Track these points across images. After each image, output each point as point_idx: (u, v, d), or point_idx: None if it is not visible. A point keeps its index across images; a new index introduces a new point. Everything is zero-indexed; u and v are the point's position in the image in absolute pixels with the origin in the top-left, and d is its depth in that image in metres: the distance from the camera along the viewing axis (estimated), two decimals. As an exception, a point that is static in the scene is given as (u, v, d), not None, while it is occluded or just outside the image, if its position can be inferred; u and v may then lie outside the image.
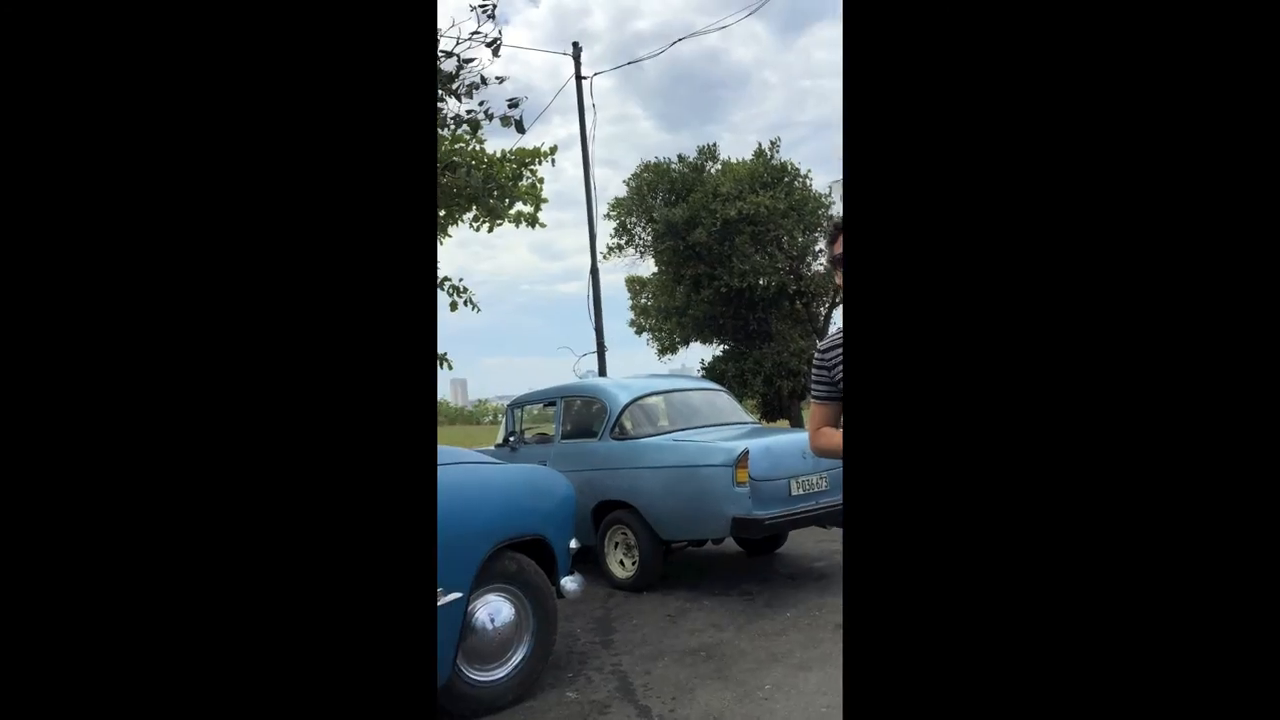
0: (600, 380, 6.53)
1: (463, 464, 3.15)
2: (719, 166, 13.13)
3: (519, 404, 6.17)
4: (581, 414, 5.48)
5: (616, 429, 5.18)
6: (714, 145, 13.34)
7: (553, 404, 5.69)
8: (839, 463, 1.98)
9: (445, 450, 3.21)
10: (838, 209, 14.64)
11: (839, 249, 1.87)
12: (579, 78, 10.50)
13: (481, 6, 6.42)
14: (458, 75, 6.32)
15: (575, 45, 10.50)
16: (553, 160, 8.95)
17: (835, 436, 1.84)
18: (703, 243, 11.99)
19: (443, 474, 2.78)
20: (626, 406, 5.24)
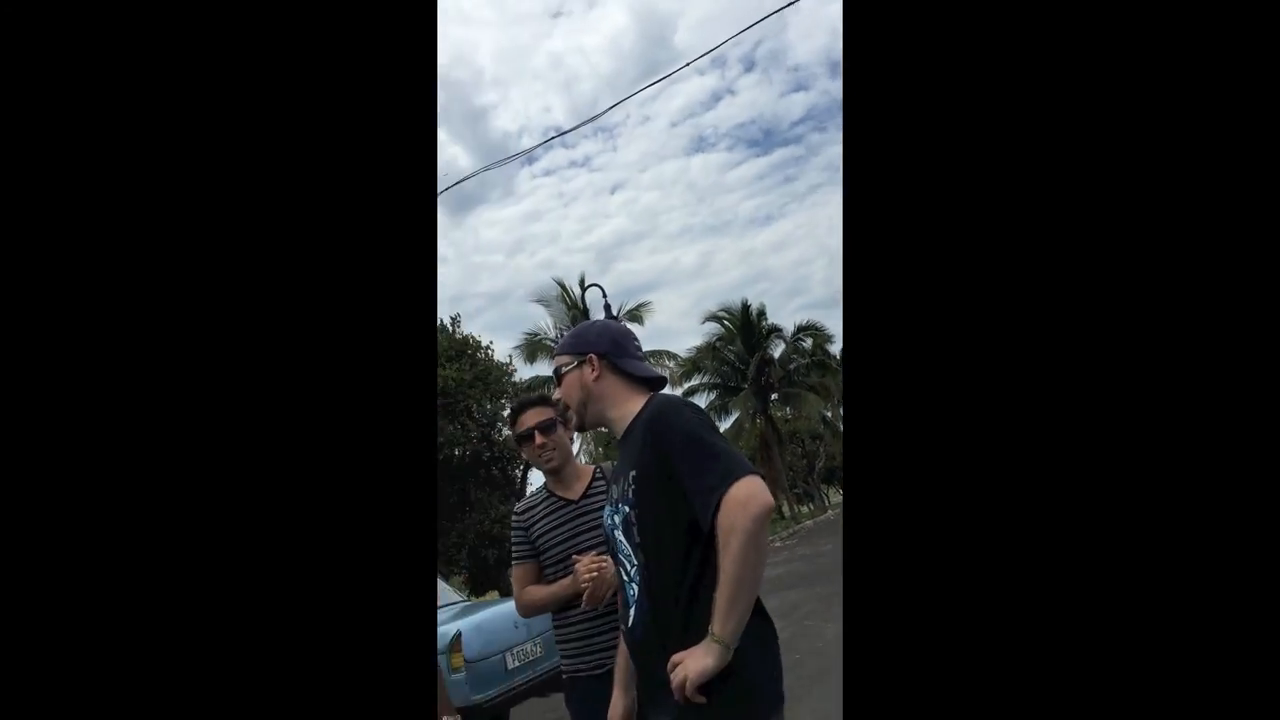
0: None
1: None
2: (402, 343, 13.59)
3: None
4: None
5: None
6: (395, 324, 13.81)
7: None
8: (548, 621, 2.06)
9: None
10: (520, 375, 15.80)
11: (521, 427, 2.07)
12: None
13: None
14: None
15: None
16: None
17: (538, 592, 2.02)
18: (392, 420, 12.24)
19: None
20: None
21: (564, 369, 1.41)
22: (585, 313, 16.31)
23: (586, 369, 1.38)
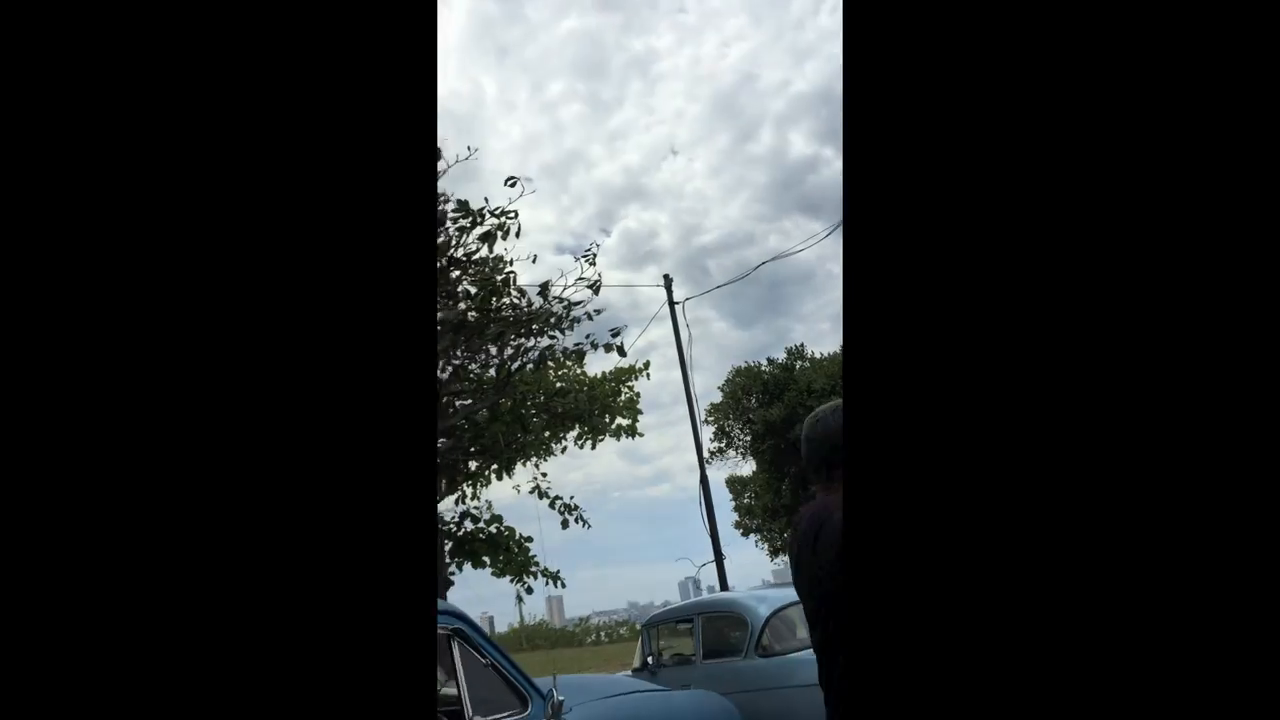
0: (736, 594, 6.42)
1: (635, 693, 3.22)
2: (807, 364, 13.94)
3: (653, 624, 6.11)
4: (720, 631, 5.35)
5: (760, 645, 4.99)
6: (801, 345, 14.06)
7: (688, 621, 5.59)
8: None
9: (613, 680, 3.45)
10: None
11: None
12: (671, 303, 11.64)
13: (584, 254, 7.64)
14: (567, 315, 7.45)
15: (666, 278, 11.58)
16: (648, 375, 9.84)
17: None
18: (804, 439, 12.67)
19: (619, 705, 2.89)
20: (768, 620, 5.03)
21: None
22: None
23: None
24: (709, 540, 10.41)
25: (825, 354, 13.71)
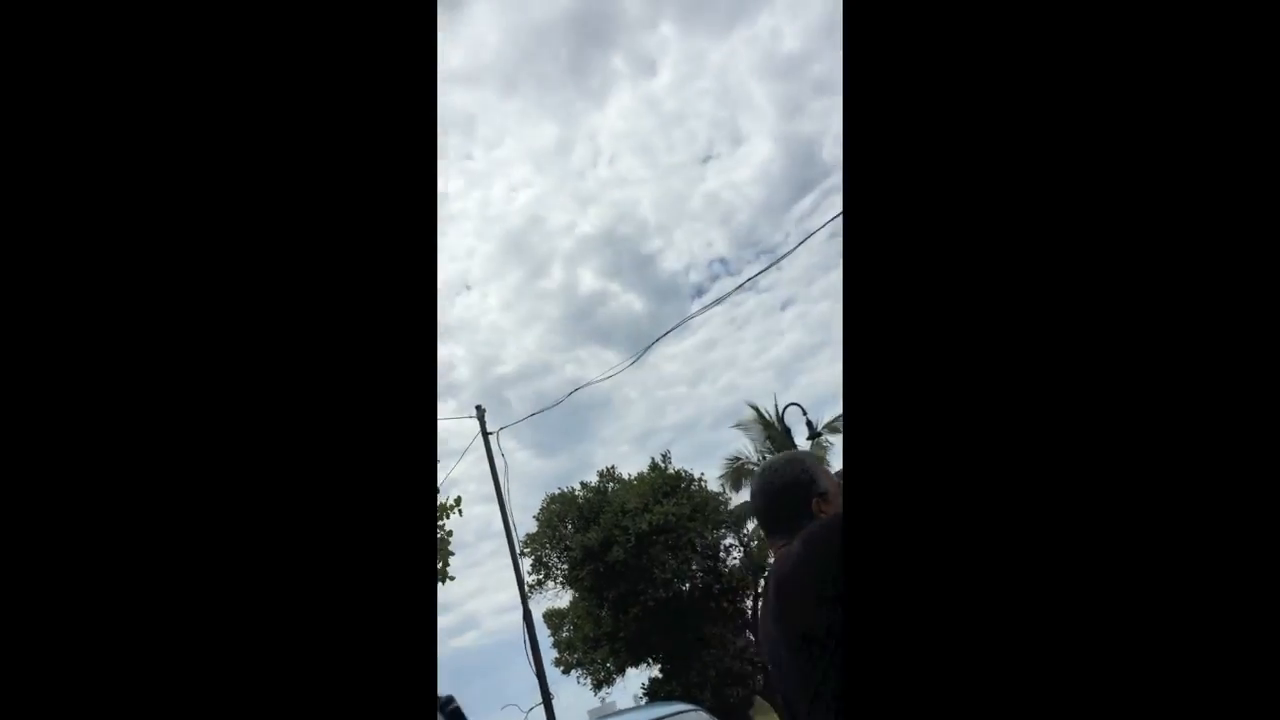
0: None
1: None
2: (619, 486, 14.19)
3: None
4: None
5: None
6: (612, 467, 14.51)
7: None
8: None
9: None
10: (734, 502, 15.95)
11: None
12: (485, 434, 11.43)
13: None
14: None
15: (479, 409, 11.49)
16: (460, 511, 9.54)
17: None
18: (621, 560, 12.66)
19: None
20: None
21: None
22: (787, 432, 16.44)
23: None
24: (534, 680, 9.89)
25: (632, 475, 14.05)
